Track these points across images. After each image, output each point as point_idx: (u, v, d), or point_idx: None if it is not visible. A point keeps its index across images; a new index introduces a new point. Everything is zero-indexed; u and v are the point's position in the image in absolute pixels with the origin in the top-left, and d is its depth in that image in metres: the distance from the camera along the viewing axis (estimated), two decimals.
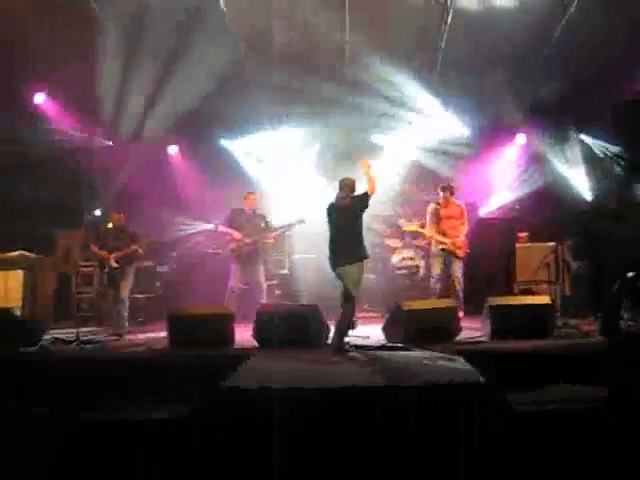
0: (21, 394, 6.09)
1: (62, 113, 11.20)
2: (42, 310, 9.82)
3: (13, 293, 9.39)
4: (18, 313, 8.93)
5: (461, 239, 9.24)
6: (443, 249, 9.26)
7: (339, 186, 7.51)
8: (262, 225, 9.77)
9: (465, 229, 9.37)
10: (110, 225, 9.54)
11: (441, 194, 9.41)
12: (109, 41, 9.43)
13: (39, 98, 11.02)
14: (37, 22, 9.02)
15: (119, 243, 9.03)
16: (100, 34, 9.27)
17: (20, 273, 9.52)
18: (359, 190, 7.45)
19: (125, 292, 9.01)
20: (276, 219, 10.35)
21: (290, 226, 10.21)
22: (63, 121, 11.30)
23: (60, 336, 8.25)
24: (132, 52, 9.76)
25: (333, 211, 7.45)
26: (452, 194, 9.47)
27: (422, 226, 9.71)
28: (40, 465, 4.98)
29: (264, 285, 9.65)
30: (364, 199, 7.31)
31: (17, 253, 9.80)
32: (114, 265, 8.85)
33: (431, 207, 9.51)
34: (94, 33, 9.22)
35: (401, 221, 12.02)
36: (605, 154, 11.75)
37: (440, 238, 9.22)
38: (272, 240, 9.80)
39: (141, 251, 9.15)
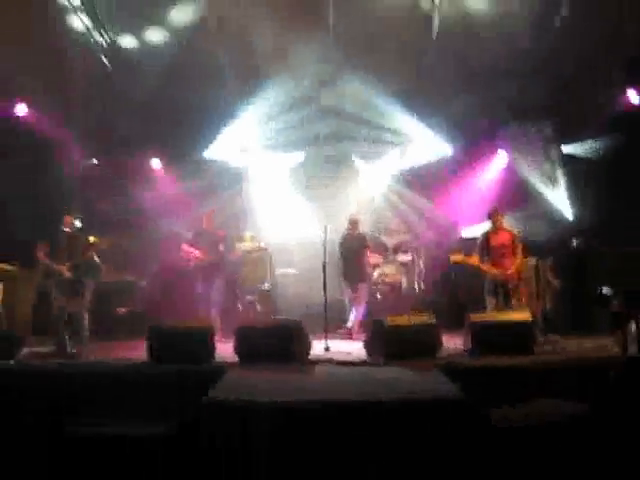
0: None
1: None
2: (21, 323, 9.67)
3: None
4: None
5: (513, 270, 8.53)
6: (495, 284, 8.58)
7: (349, 221, 10.14)
8: (220, 246, 10.02)
9: (518, 259, 8.62)
10: (64, 232, 8.67)
11: (489, 220, 8.80)
12: None
13: (21, 109, 10.93)
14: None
15: (73, 251, 8.46)
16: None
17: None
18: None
19: (81, 307, 8.44)
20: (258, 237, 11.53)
21: (252, 251, 11.20)
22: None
23: (37, 349, 8.13)
24: None
25: (345, 240, 10.01)
26: (502, 217, 8.75)
27: (469, 256, 8.72)
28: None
29: (219, 300, 9.99)
30: (363, 241, 10.06)
31: None
32: (67, 275, 8.34)
33: (480, 237, 8.82)
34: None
35: (383, 238, 12.10)
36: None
37: (490, 270, 8.55)
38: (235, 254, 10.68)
39: (96, 258, 8.61)
